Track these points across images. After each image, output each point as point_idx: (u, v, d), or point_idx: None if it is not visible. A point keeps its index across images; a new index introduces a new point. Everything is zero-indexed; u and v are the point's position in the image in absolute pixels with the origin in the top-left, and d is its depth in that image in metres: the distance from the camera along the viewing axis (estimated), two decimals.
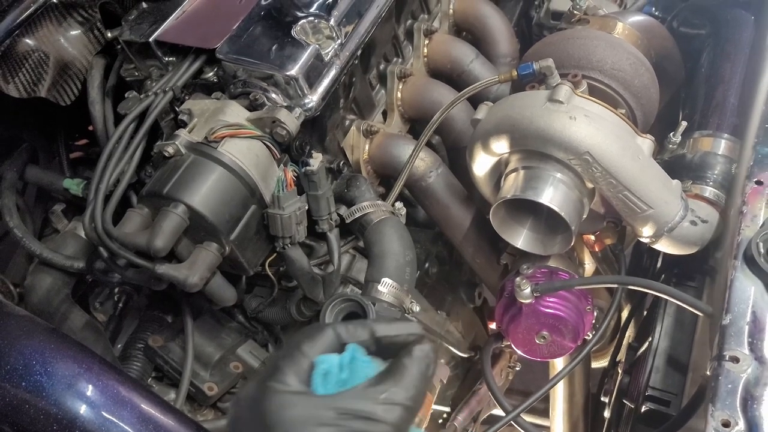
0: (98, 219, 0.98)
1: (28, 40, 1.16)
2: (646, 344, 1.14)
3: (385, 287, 1.06)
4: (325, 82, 1.09)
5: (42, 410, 0.81)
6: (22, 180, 1.40)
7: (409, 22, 1.43)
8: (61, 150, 1.45)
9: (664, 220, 1.05)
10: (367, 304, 0.94)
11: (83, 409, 0.81)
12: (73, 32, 1.21)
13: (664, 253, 1.30)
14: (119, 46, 1.18)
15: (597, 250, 1.28)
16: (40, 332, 0.85)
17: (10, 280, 1.36)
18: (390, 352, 0.69)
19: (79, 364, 0.83)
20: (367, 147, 1.29)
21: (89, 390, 0.82)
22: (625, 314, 1.43)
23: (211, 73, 1.11)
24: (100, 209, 0.99)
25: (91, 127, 1.30)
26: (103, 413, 0.82)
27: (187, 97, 1.11)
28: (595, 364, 1.54)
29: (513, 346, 1.19)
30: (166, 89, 1.08)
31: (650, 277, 1.29)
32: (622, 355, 1.32)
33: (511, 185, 1.08)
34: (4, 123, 1.40)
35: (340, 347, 0.68)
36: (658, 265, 1.32)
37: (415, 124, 1.43)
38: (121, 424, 0.82)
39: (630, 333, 1.34)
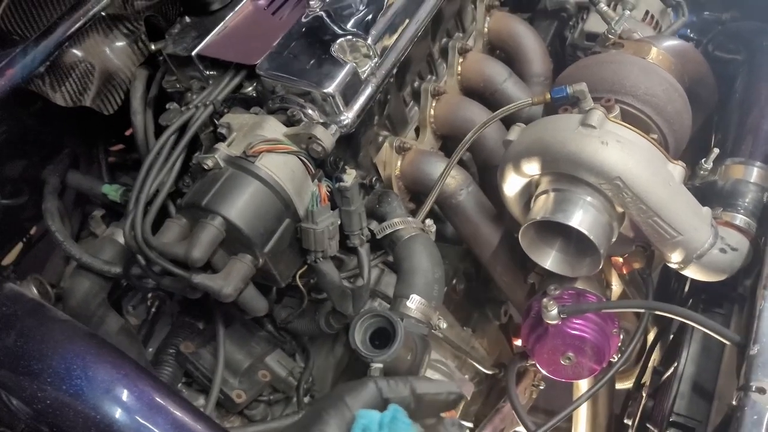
0: (138, 228, 1.01)
1: (75, 51, 1.20)
2: (672, 369, 1.14)
3: (414, 303, 1.08)
4: (361, 100, 1.11)
5: (81, 413, 0.83)
6: (63, 184, 1.45)
7: (444, 40, 1.45)
8: (100, 156, 1.49)
9: (693, 247, 1.05)
10: (396, 320, 0.96)
11: (119, 414, 0.84)
12: (119, 44, 1.25)
13: (693, 278, 1.30)
14: (162, 59, 1.21)
15: (625, 272, 1.29)
16: (80, 337, 0.88)
17: (47, 280, 1.40)
18: (430, 410, 0.70)
19: (117, 370, 0.86)
20: (399, 163, 1.31)
21: (125, 395, 0.85)
22: (651, 337, 1.43)
23: (250, 88, 1.14)
24: (140, 218, 1.02)
25: (128, 133, 1.34)
26: (138, 418, 0.84)
27: (226, 111, 1.13)
28: (619, 385, 1.54)
29: (538, 365, 1.20)
30: (207, 103, 1.11)
31: (677, 301, 1.29)
32: (646, 378, 1.31)
33: (541, 207, 1.09)
34: (50, 129, 1.45)
35: (381, 402, 0.69)
36: (686, 289, 1.32)
37: (446, 141, 1.45)
38: (155, 429, 0.84)
39: (656, 356, 1.34)
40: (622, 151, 1.02)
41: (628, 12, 1.34)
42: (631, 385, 1.40)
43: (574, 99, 1.11)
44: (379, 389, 0.69)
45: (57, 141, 1.49)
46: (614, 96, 1.13)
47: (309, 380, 1.25)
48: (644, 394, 1.24)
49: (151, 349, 1.33)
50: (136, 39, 1.26)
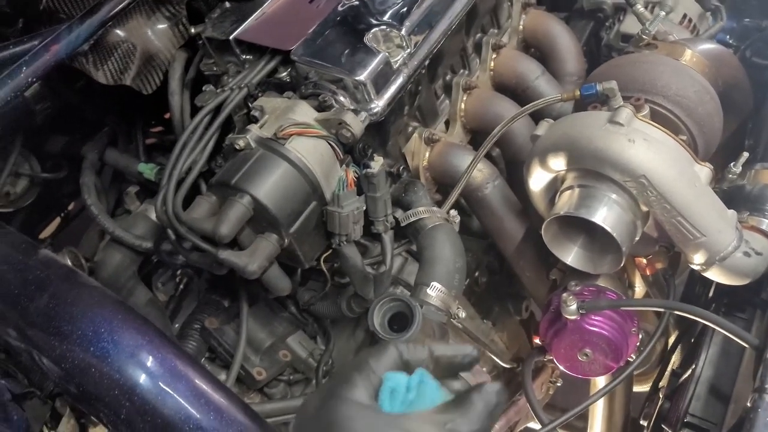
0: (169, 203, 1.05)
1: (118, 31, 1.24)
2: (690, 371, 1.13)
3: (434, 291, 1.10)
4: (392, 89, 1.13)
5: (106, 375, 0.87)
6: (101, 161, 1.50)
7: (479, 35, 1.46)
8: (138, 136, 1.54)
9: (716, 249, 1.05)
10: (415, 305, 0.97)
11: (143, 378, 0.87)
12: (160, 26, 1.28)
13: (717, 283, 1.29)
14: (201, 42, 1.24)
15: (648, 273, 1.28)
16: (109, 303, 0.92)
17: (82, 254, 1.45)
18: (447, 372, 0.71)
19: (142, 336, 0.89)
20: (427, 154, 1.32)
21: (149, 361, 0.88)
22: (672, 341, 1.43)
23: (284, 73, 1.16)
24: (171, 194, 1.06)
25: (167, 116, 1.38)
26: (160, 383, 0.87)
27: (260, 95, 1.16)
28: (638, 388, 1.54)
29: (555, 360, 1.20)
30: (242, 86, 1.14)
31: (701, 305, 1.29)
32: (665, 382, 1.31)
33: (566, 202, 1.10)
34: (91, 108, 1.50)
35: (402, 364, 0.71)
36: (710, 294, 1.31)
37: (476, 136, 1.46)
38: (176, 395, 0.87)
39: (675, 359, 1.34)
40: (648, 149, 1.02)
41: (663, 13, 1.33)
42: (649, 388, 1.39)
43: (603, 97, 1.11)
44: (399, 352, 0.71)
45: (97, 119, 1.54)
46: (645, 95, 1.14)
47: (329, 362, 1.28)
48: (661, 396, 1.24)
49: (177, 325, 1.37)
50: (177, 22, 1.29)
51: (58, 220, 1.88)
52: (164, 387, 0.87)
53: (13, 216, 1.57)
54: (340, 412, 0.64)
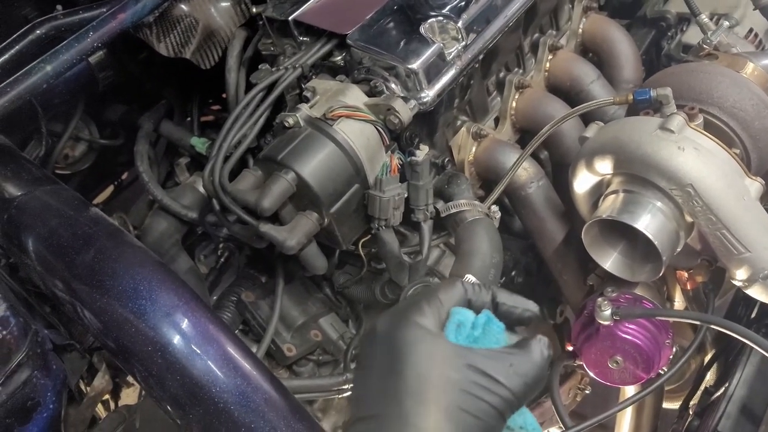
0: (216, 174, 1.08)
1: (183, 6, 1.28)
2: (723, 389, 1.11)
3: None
4: (443, 80, 1.14)
5: (141, 332, 0.89)
6: (156, 132, 1.54)
7: (536, 35, 1.45)
8: (194, 111, 1.58)
9: (760, 266, 1.02)
10: None
11: (176, 338, 0.89)
12: (223, 4, 1.32)
13: (761, 305, 1.26)
14: (261, 22, 1.27)
15: (689, 288, 1.26)
16: (150, 263, 0.95)
17: (131, 222, 1.50)
18: (506, 319, 0.73)
19: (179, 297, 0.91)
20: (474, 149, 1.33)
21: (184, 322, 0.90)
22: (708, 359, 1.40)
23: (339, 57, 1.18)
24: (219, 165, 1.08)
25: (224, 95, 1.41)
26: (192, 345, 0.89)
27: (313, 76, 1.18)
28: (669, 405, 1.51)
29: (584, 365, 1.19)
30: (296, 66, 1.16)
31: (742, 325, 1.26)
32: (696, 400, 1.29)
33: (609, 206, 1.09)
34: (151, 79, 1.54)
35: (466, 302, 0.72)
36: (752, 315, 1.28)
37: (524, 136, 1.45)
38: (206, 358, 0.89)
39: (710, 378, 1.31)
40: (698, 158, 1.00)
41: (727, 23, 1.31)
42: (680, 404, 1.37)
43: (657, 103, 1.10)
44: (465, 290, 0.72)
45: (156, 91, 1.59)
46: (699, 105, 1.12)
47: (358, 347, 1.29)
48: (691, 412, 1.21)
49: (214, 297, 1.40)
50: (240, 1, 1.33)
51: (111, 188, 1.94)
52: (195, 348, 0.89)
53: (69, 179, 1.63)
54: (408, 334, 0.66)
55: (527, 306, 0.74)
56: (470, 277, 1.10)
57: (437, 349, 0.66)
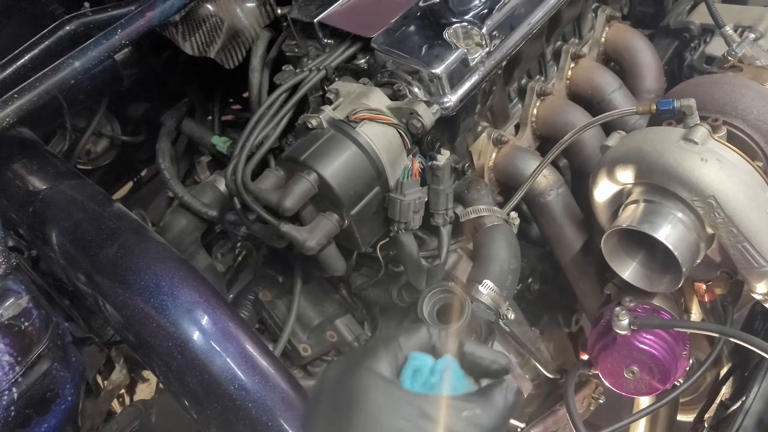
0: (239, 172, 1.08)
1: (209, 6, 1.29)
2: (739, 403, 1.11)
3: (485, 289, 1.10)
4: (466, 86, 1.14)
5: (162, 327, 0.91)
6: (177, 130, 1.56)
7: (559, 43, 1.45)
8: (215, 110, 1.60)
9: None
10: (465, 298, 0.98)
11: (196, 335, 0.90)
12: (249, 4, 1.33)
13: None
14: (285, 24, 1.28)
15: (706, 300, 1.26)
16: (173, 260, 0.96)
17: (150, 218, 1.52)
18: (472, 371, 0.71)
19: (200, 294, 0.93)
20: (494, 155, 1.33)
21: (204, 319, 0.91)
22: (724, 373, 1.39)
23: (362, 60, 1.19)
24: (242, 164, 1.09)
25: (245, 95, 1.42)
26: (211, 342, 0.91)
27: (337, 79, 1.19)
28: (684, 418, 1.50)
29: (600, 375, 1.19)
30: (320, 67, 1.17)
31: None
32: (712, 413, 1.28)
33: (629, 215, 1.09)
34: (174, 78, 1.56)
35: (430, 348, 0.72)
36: None
37: (544, 144, 1.45)
38: (225, 355, 0.90)
39: (726, 391, 1.30)
40: (720, 170, 1.00)
41: (752, 36, 1.30)
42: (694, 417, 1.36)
43: (680, 114, 1.10)
44: (430, 335, 0.71)
45: (178, 90, 1.60)
46: (723, 117, 1.11)
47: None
48: (706, 425, 1.21)
49: (231, 295, 1.41)
50: (265, 2, 1.33)
51: (130, 184, 1.96)
52: (215, 345, 0.90)
53: (90, 174, 1.65)
54: (362, 381, 0.66)
55: (496, 358, 0.72)
56: (488, 283, 1.11)
57: (389, 397, 0.64)
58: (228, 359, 0.90)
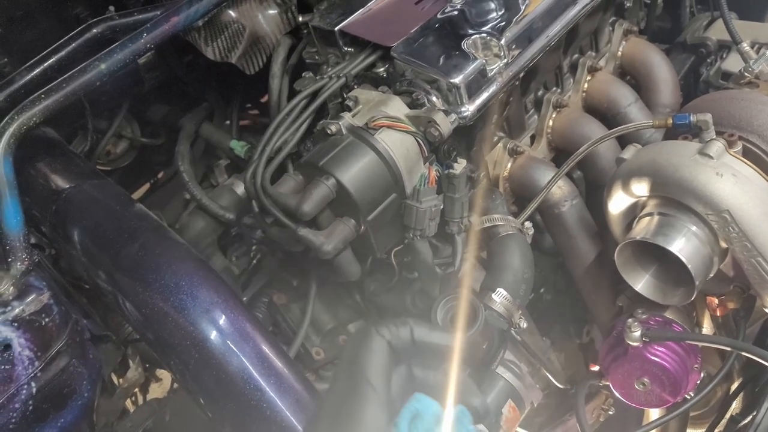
0: (259, 176, 1.10)
1: (231, 12, 1.31)
2: (750, 418, 1.11)
3: (499, 297, 1.11)
4: (484, 96, 1.16)
5: (180, 326, 0.92)
6: (196, 134, 1.58)
7: (576, 56, 1.46)
8: (234, 115, 1.62)
9: None
10: (479, 305, 0.99)
11: (213, 334, 0.91)
12: (271, 11, 1.35)
13: None
14: (306, 31, 1.30)
15: (719, 314, 1.26)
16: (192, 260, 0.97)
17: (166, 220, 1.53)
18: (429, 358, 0.71)
19: (218, 295, 0.94)
20: (509, 165, 1.34)
21: (222, 319, 0.92)
22: (734, 388, 1.39)
23: (382, 69, 1.20)
24: (262, 167, 1.11)
25: (263, 100, 1.44)
26: (229, 342, 0.92)
27: (356, 86, 1.21)
28: None
29: (611, 386, 1.19)
30: (340, 75, 1.18)
31: None
32: (722, 427, 1.28)
33: (643, 228, 1.10)
34: (195, 82, 1.58)
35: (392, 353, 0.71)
36: None
37: (559, 155, 1.46)
38: (241, 355, 0.91)
39: (736, 406, 1.30)
40: (735, 185, 1.01)
41: None
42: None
43: (696, 129, 1.11)
44: (387, 342, 0.71)
45: (198, 94, 1.62)
46: (739, 132, 1.12)
47: None
48: None
49: (245, 298, 1.42)
50: (287, 9, 1.36)
51: (146, 186, 1.98)
52: (232, 345, 0.91)
53: (109, 175, 1.67)
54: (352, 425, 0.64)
55: (442, 341, 0.72)
56: (502, 291, 1.12)
57: None
58: (244, 359, 0.91)
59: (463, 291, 1.15)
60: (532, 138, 1.43)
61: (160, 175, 1.98)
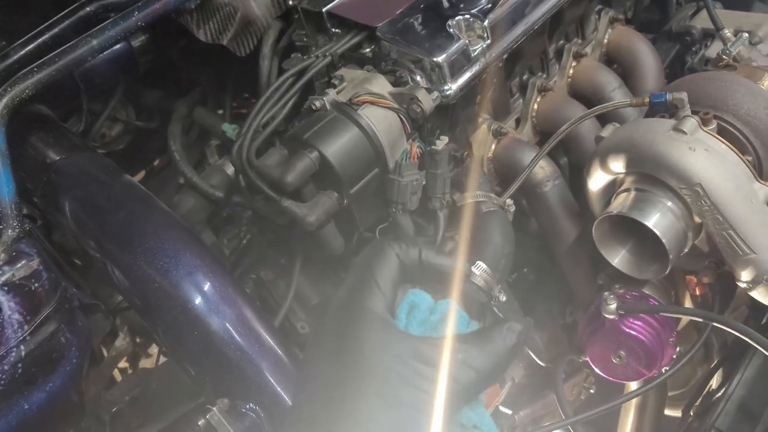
0: (244, 149, 1.13)
1: None
2: (723, 390, 1.13)
3: (478, 270, 1.12)
4: (466, 75, 1.19)
5: (164, 289, 0.95)
6: (190, 117, 1.61)
7: (561, 42, 1.49)
8: (227, 100, 1.64)
9: (765, 268, 1.05)
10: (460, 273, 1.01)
11: (196, 296, 0.94)
12: None
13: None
14: (296, 15, 1.33)
15: (698, 294, 1.28)
16: (176, 226, 1.00)
17: None
18: (434, 279, 0.73)
19: (201, 259, 0.97)
20: (493, 146, 1.37)
21: (204, 282, 0.95)
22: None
23: (368, 49, 1.23)
24: (248, 141, 1.14)
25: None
26: (210, 304, 0.94)
27: (342, 66, 1.24)
28: (675, 413, 1.52)
29: (589, 360, 1.22)
30: (326, 54, 1.21)
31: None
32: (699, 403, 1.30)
33: (620, 203, 1.12)
34: (189, 66, 1.61)
35: (401, 273, 0.73)
36: (762, 322, 1.30)
37: (544, 139, 1.49)
38: (222, 317, 0.94)
39: (714, 383, 1.32)
40: (707, 159, 1.03)
41: (746, 35, 1.34)
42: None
43: (672, 107, 1.13)
44: (397, 255, 0.73)
45: (192, 79, 1.65)
46: (715, 112, 1.14)
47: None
48: (692, 414, 1.23)
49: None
50: None
51: (142, 174, 2.01)
52: (213, 307, 0.94)
53: None
54: (357, 320, 0.67)
55: (453, 265, 0.76)
56: (481, 264, 1.15)
57: (385, 339, 0.65)
58: (225, 321, 0.94)
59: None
60: (517, 122, 1.45)
61: (156, 163, 2.00)
